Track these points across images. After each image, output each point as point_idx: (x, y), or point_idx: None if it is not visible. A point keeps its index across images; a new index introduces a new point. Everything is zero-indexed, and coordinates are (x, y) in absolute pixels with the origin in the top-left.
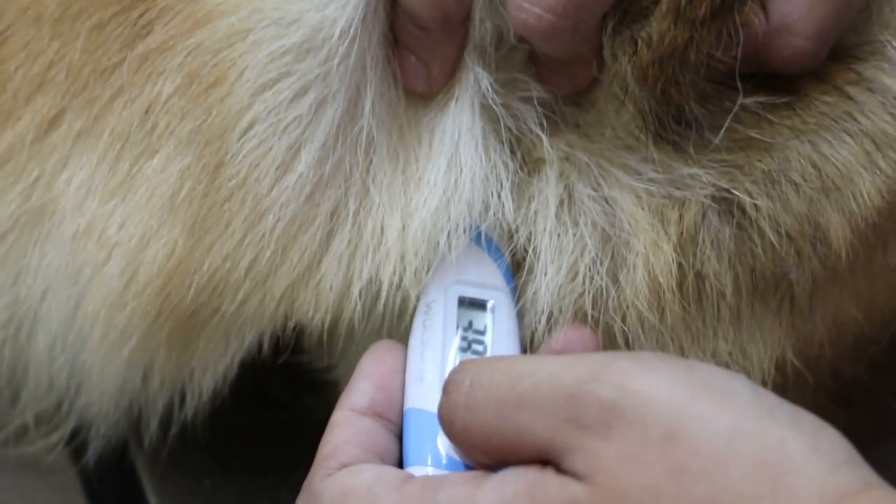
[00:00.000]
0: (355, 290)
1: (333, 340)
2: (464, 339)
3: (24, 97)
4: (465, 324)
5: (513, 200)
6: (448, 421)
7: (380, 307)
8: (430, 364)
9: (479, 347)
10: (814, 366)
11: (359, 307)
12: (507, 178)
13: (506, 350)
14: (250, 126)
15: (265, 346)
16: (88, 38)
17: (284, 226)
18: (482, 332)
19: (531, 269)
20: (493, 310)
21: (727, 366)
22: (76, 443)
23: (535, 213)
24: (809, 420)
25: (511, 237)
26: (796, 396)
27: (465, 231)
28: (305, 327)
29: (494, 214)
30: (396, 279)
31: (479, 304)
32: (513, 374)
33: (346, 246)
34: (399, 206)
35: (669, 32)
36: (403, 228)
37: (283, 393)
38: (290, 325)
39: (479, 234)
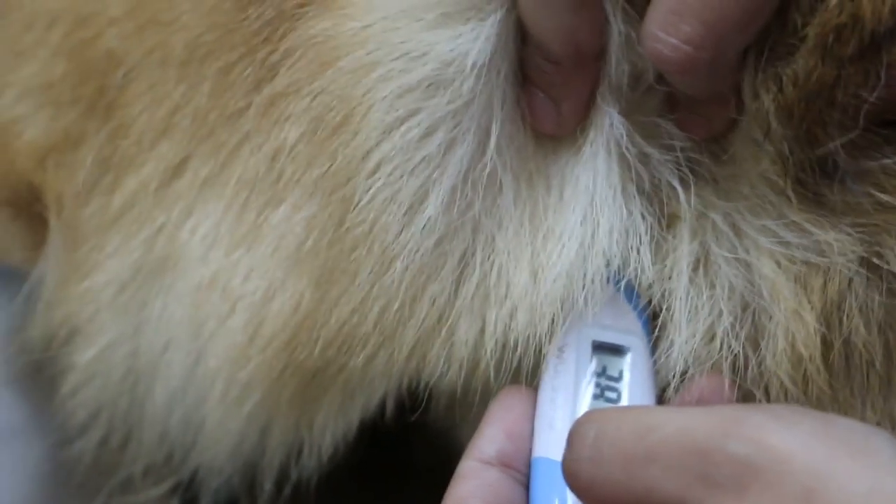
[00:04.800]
0: (489, 345)
1: (466, 402)
2: (597, 385)
3: (149, 142)
4: (599, 369)
5: (651, 256)
6: (572, 474)
7: (513, 362)
8: (560, 411)
9: (613, 395)
10: None
11: (493, 362)
12: (647, 233)
13: (641, 399)
14: (377, 168)
15: (389, 407)
16: (215, 81)
17: (413, 275)
18: (617, 379)
19: (664, 327)
20: (629, 357)
21: None
22: (188, 496)
23: (671, 270)
24: None
25: (648, 289)
26: None
27: (602, 286)
28: (435, 390)
29: (634, 270)
30: (530, 332)
31: (615, 350)
32: (640, 426)
33: (475, 297)
34: (526, 257)
35: (817, 70)
36: (535, 281)
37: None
38: (422, 383)
39: (618, 278)
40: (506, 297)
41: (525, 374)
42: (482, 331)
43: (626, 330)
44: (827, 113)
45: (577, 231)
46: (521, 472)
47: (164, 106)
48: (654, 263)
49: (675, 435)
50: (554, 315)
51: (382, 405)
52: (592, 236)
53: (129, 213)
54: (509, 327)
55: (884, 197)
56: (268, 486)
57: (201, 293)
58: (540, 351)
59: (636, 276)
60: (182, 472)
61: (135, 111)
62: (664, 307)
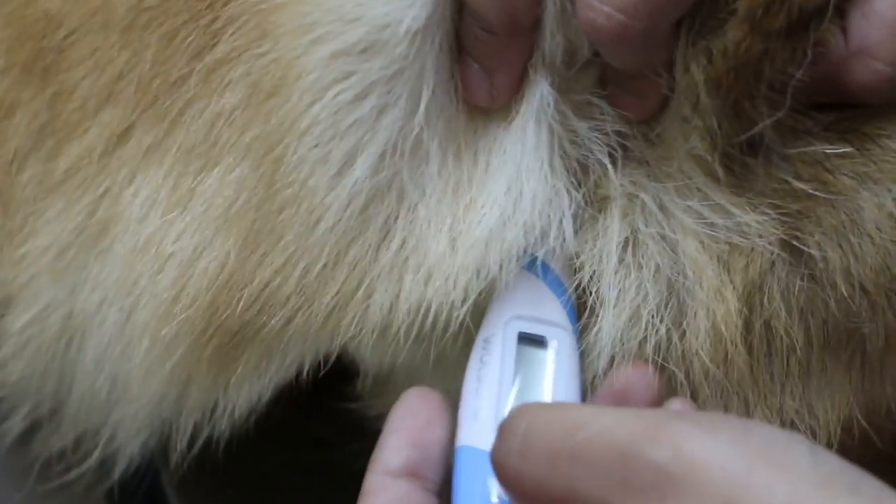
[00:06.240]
0: (402, 309)
1: (386, 383)
2: (521, 376)
3: (93, 108)
4: (524, 361)
5: (575, 231)
6: (501, 465)
7: (425, 328)
8: (485, 402)
9: (538, 387)
10: (880, 431)
11: (404, 327)
12: (570, 207)
13: (565, 392)
14: (308, 129)
15: (305, 371)
16: (158, 48)
17: (337, 237)
18: (541, 371)
19: (593, 311)
20: (554, 348)
21: (793, 424)
22: (105, 458)
23: (601, 251)
24: (872, 486)
25: (575, 273)
26: (862, 461)
27: (518, 257)
28: (360, 368)
29: (554, 242)
30: (443, 298)
31: (540, 342)
32: (568, 423)
33: (394, 263)
34: (447, 225)
35: (745, 41)
36: (453, 248)
37: (325, 433)
38: (337, 346)
39: (544, 270)
40: (423, 263)
41: (438, 341)
42: (397, 296)
43: (553, 322)
44: (755, 86)
45: (500, 200)
46: (431, 479)
47: (108, 72)
48: (583, 243)
49: (599, 435)
50: (468, 282)
51: (300, 369)
52: (514, 206)
53: (74, 179)
54: (424, 293)
55: (799, 185)
56: (181, 446)
57: (136, 253)
58: (451, 317)
59: (558, 253)
60: (104, 434)
61: (77, 76)
62: (593, 290)
